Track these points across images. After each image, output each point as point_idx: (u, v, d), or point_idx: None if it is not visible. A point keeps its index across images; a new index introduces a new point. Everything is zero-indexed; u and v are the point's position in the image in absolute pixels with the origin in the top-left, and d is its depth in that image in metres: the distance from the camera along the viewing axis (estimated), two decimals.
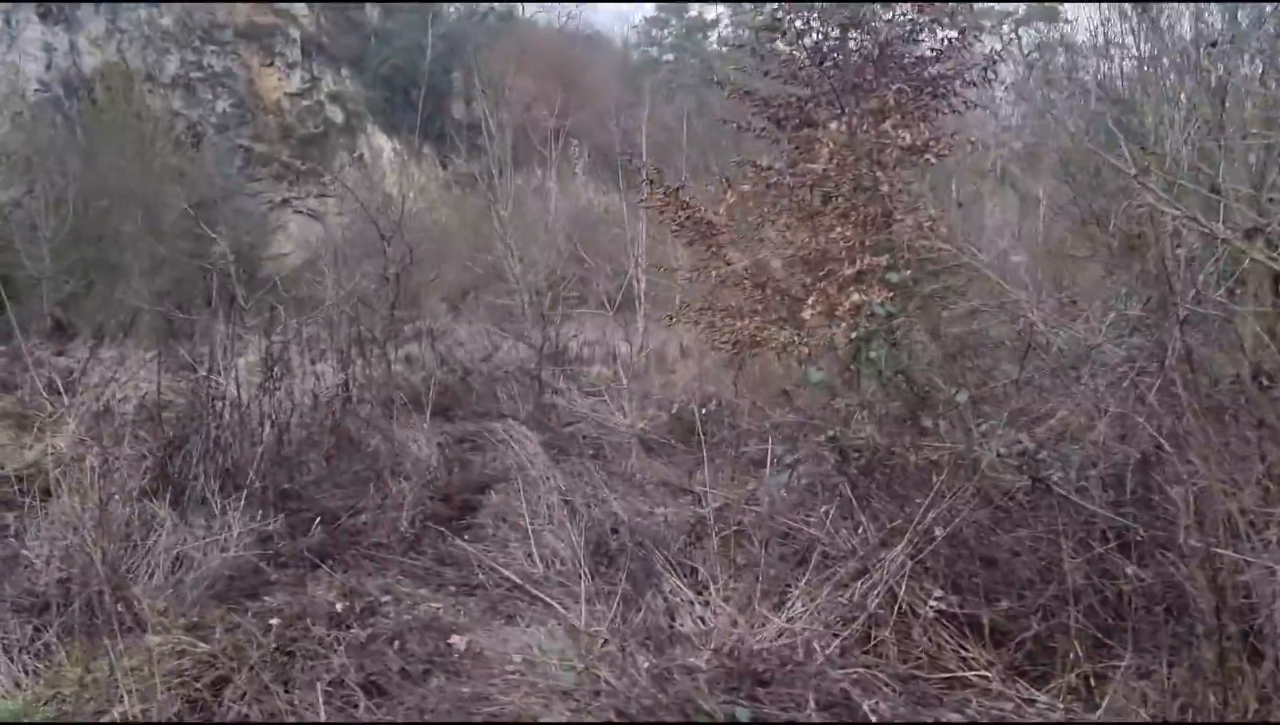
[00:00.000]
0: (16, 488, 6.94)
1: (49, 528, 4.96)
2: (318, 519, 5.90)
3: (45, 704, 3.71)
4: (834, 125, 5.78)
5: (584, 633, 4.32)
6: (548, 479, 6.37)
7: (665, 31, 42.14)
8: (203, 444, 6.27)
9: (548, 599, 4.86)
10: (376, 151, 42.77)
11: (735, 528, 4.31)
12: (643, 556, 4.83)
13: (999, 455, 3.70)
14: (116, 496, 4.94)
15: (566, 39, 45.38)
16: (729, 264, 6.15)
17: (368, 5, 45.76)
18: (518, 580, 5.18)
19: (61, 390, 10.47)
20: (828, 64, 6.50)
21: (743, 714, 3.09)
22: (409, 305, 14.05)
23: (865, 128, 5.73)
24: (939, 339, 4.49)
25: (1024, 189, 11.38)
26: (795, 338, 5.76)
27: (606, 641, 3.80)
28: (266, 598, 5.04)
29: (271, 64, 40.53)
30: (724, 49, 40.84)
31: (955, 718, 3.29)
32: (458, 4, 47.40)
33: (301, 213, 39.11)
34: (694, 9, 40.72)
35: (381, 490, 6.45)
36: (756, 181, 6.24)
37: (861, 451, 4.26)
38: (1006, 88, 7.46)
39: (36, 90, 33.05)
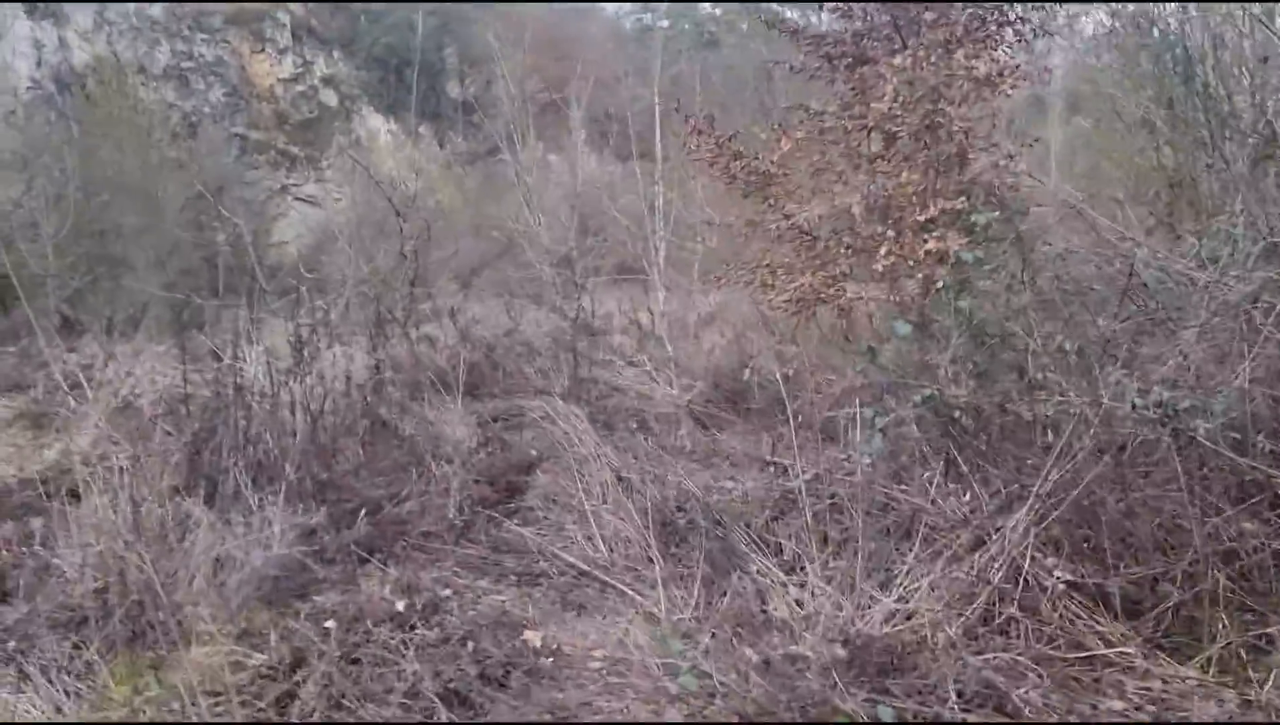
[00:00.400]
0: (41, 490, 6.61)
1: (80, 533, 4.57)
2: (361, 510, 5.52)
3: None
4: (897, 60, 5.33)
5: (667, 621, 3.97)
6: (598, 456, 5.98)
7: None
8: (232, 436, 5.89)
9: (620, 586, 4.49)
10: (372, 133, 42.23)
11: (829, 500, 3.92)
12: (720, 535, 4.45)
13: (1134, 407, 3.29)
14: (149, 496, 4.55)
15: (557, 11, 44.62)
16: (787, 217, 5.70)
17: None
18: (583, 567, 4.80)
19: (84, 383, 10.09)
20: None
21: (885, 713, 2.71)
22: (420, 284, 13.57)
23: (932, 60, 5.28)
24: (1034, 284, 4.08)
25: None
26: (862, 292, 5.35)
27: (713, 634, 3.42)
28: (317, 597, 4.67)
29: (262, 50, 39.90)
30: (718, 12, 40.12)
31: (1116, 704, 2.92)
32: None
33: (301, 200, 38.73)
34: None
35: (424, 476, 6.07)
36: (810, 127, 5.81)
37: (965, 411, 3.87)
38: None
39: (29, 88, 32.51)
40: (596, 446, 6.08)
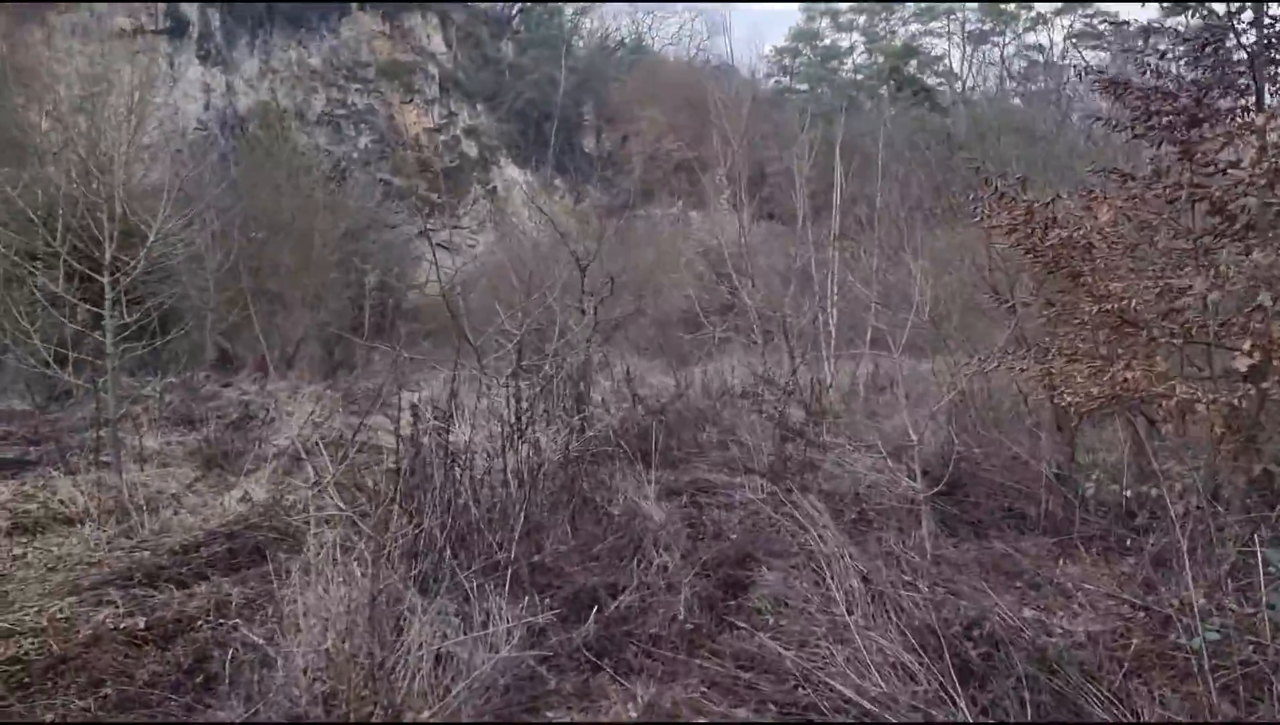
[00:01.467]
0: (228, 546, 6.16)
1: (304, 619, 3.99)
2: (586, 605, 4.85)
3: None
4: (1259, 119, 4.49)
5: None
6: (842, 556, 5.19)
7: (797, 61, 40.99)
8: (441, 509, 5.31)
9: None
10: (509, 183, 42.80)
11: (1242, 668, 3.05)
12: (1053, 688, 3.59)
13: None
14: (383, 590, 3.95)
15: (695, 71, 44.75)
16: (1102, 298, 4.85)
17: (502, 42, 46.06)
18: (861, 701, 4.00)
19: (251, 421, 9.80)
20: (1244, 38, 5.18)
21: None
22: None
23: None
24: None
25: None
26: (1200, 393, 4.44)
27: None
28: (549, 713, 4.01)
29: (411, 100, 41.01)
30: (858, 76, 39.60)
31: None
32: (591, 39, 47.20)
33: (438, 245, 39.45)
34: (827, 38, 39.58)
35: (643, 565, 5.38)
36: (1125, 195, 4.99)
37: None
38: None
39: (195, 129, 33.91)
40: (840, 545, 5.28)
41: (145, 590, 5.47)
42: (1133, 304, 4.63)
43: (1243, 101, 5.26)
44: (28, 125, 16.61)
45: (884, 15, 39.65)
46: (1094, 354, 4.97)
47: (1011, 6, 38.47)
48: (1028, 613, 4.37)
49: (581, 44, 48.27)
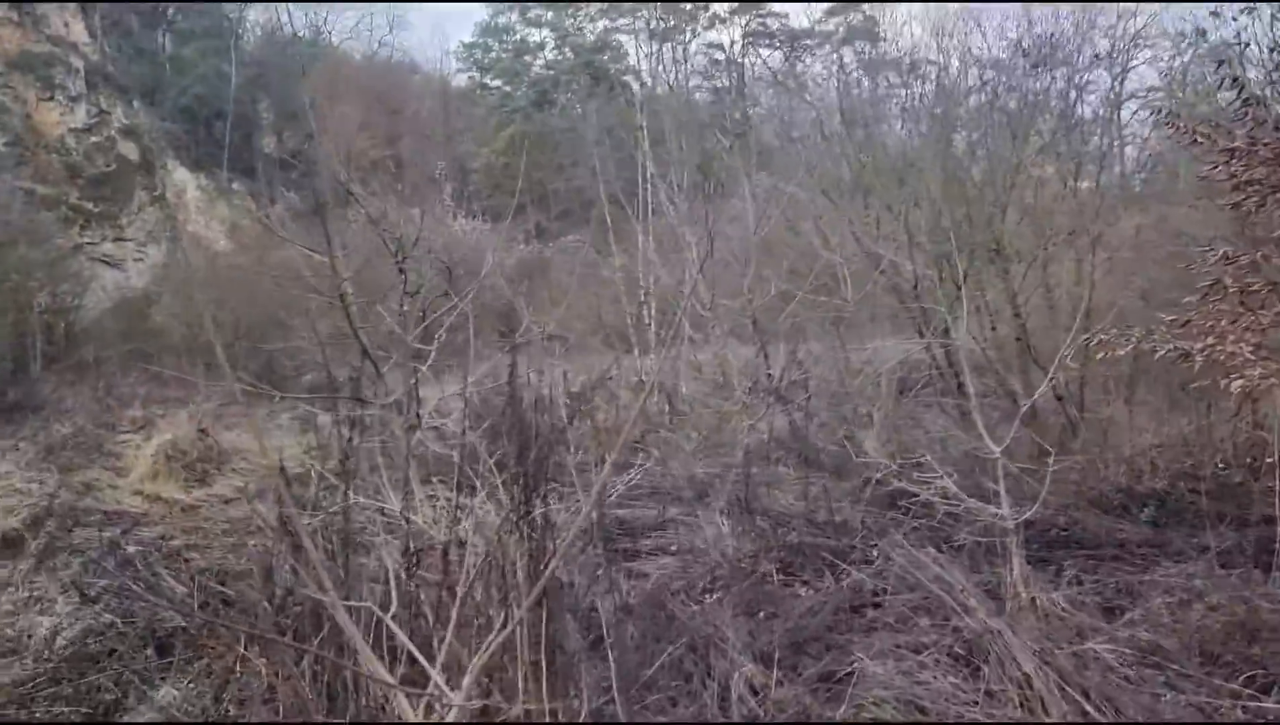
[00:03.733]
0: None
1: None
2: None
3: None
4: None
5: None
6: (999, 633, 3.46)
7: (488, 56, 38.85)
8: None
9: None
10: (179, 188, 37.09)
11: None
12: None
13: None
14: None
15: (380, 67, 41.25)
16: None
17: (156, 32, 39.91)
18: None
19: None
20: None
21: None
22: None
23: None
24: None
25: None
26: None
27: None
28: None
29: (51, 97, 34.21)
30: (551, 71, 38.18)
31: None
32: (259, 31, 42.07)
33: (99, 260, 33.40)
34: (519, 32, 37.79)
35: (720, 689, 3.36)
36: None
37: None
38: None
39: None
40: (988, 615, 3.54)
41: None
42: None
43: None
44: None
45: (571, 13, 38.22)
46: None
47: (688, 6, 38.59)
48: None
49: (249, 37, 42.99)
